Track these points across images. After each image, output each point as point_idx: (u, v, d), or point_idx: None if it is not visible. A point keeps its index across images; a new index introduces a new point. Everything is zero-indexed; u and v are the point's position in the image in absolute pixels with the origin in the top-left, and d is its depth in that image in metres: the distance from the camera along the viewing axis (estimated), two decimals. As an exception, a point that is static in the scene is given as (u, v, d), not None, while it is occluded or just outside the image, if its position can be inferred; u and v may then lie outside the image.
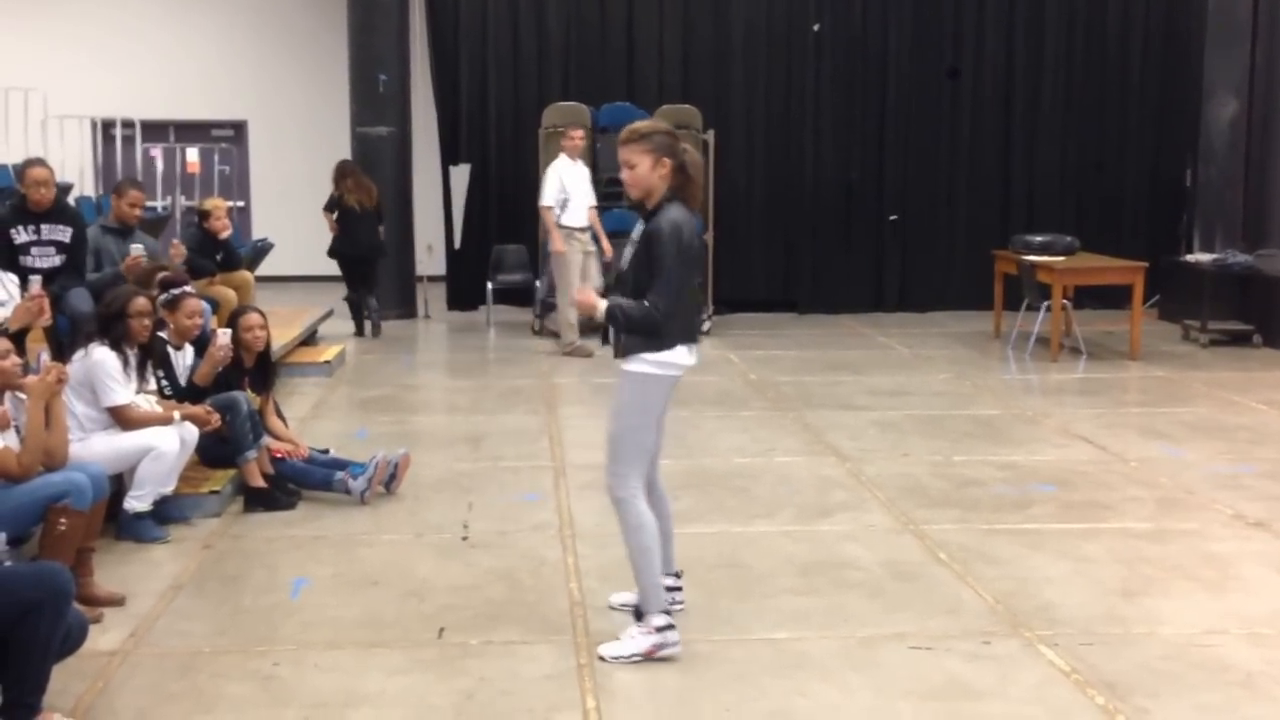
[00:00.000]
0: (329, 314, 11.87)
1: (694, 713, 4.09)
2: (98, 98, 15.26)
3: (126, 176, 12.53)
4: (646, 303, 4.35)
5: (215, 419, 6.05)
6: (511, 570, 5.42)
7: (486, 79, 13.96)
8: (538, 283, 12.68)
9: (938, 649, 4.56)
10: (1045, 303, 10.95)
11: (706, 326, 12.04)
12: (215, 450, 6.33)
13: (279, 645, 4.60)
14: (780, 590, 5.17)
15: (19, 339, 5.81)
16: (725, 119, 13.66)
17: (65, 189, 9.73)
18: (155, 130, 16.21)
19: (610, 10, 13.97)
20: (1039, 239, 11.62)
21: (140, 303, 5.82)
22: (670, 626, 4.46)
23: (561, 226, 11.17)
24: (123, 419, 5.69)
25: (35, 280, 5.88)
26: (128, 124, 15.53)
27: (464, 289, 13.95)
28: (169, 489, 5.86)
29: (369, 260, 12.17)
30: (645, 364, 4.43)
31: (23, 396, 4.79)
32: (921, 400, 9.21)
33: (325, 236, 12.29)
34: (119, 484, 5.66)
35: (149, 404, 5.86)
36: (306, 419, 8.40)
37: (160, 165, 15.86)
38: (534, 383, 9.92)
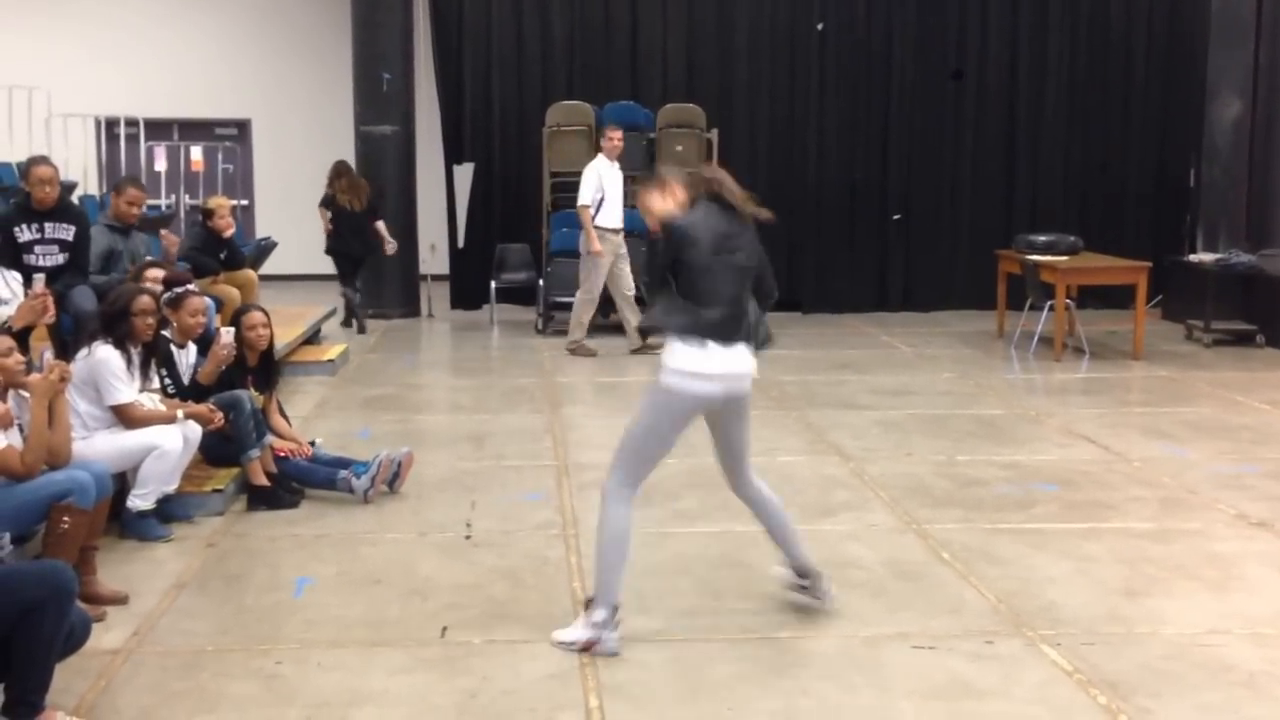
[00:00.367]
0: (332, 313, 11.93)
1: (697, 711, 4.08)
2: (101, 96, 15.26)
3: (127, 175, 12.54)
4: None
5: (218, 418, 6.05)
6: (514, 569, 5.43)
7: (490, 78, 13.97)
8: (541, 281, 12.69)
9: (940, 648, 4.56)
10: (1049, 302, 10.95)
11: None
12: (218, 449, 6.34)
13: (282, 644, 4.60)
14: (783, 589, 5.16)
15: (22, 337, 5.81)
16: (729, 119, 13.67)
17: (70, 187, 9.73)
18: (159, 129, 16.21)
19: (614, 9, 13.97)
20: (1042, 239, 11.62)
21: (144, 301, 5.81)
22: (608, 624, 4.44)
23: (596, 227, 11.10)
24: (126, 417, 5.69)
25: (39, 278, 5.87)
26: (131, 122, 15.53)
27: (467, 288, 13.97)
28: (172, 487, 5.87)
29: (359, 259, 12.44)
30: (668, 374, 4.44)
31: (26, 395, 4.80)
32: (925, 400, 9.21)
33: (328, 236, 12.42)
34: (122, 482, 5.66)
35: (152, 402, 5.87)
36: (310, 418, 8.41)
37: (164, 164, 15.85)
38: (537, 382, 9.93)
